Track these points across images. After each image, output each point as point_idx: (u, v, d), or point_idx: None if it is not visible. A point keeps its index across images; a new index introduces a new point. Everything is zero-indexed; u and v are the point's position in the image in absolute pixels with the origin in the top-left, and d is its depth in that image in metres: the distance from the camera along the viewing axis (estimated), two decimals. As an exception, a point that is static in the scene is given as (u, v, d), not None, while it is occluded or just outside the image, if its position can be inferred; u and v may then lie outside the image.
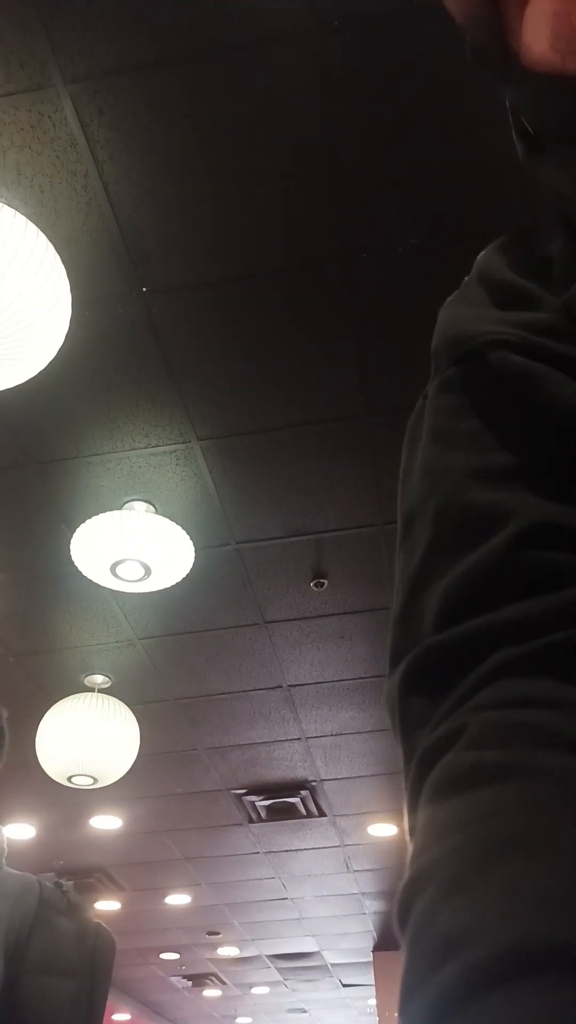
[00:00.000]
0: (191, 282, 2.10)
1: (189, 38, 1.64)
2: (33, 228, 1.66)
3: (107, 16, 1.61)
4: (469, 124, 1.78)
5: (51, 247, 1.71)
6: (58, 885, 1.34)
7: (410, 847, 0.34)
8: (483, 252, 0.51)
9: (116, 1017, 8.79)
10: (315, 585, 3.15)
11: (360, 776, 4.62)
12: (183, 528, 2.74)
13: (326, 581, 3.13)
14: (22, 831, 4.95)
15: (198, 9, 1.60)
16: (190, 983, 8.64)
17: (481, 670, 0.36)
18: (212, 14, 1.61)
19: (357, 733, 4.19)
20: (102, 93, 1.71)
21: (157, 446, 2.57)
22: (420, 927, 0.28)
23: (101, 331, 2.20)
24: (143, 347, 2.26)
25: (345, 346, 2.26)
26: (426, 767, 0.35)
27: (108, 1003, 1.33)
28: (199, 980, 8.56)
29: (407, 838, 0.37)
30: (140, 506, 2.75)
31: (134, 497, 2.75)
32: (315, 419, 2.48)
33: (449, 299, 0.50)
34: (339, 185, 1.89)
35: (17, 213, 1.66)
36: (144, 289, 2.11)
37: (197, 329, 2.21)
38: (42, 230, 1.76)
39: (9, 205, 1.70)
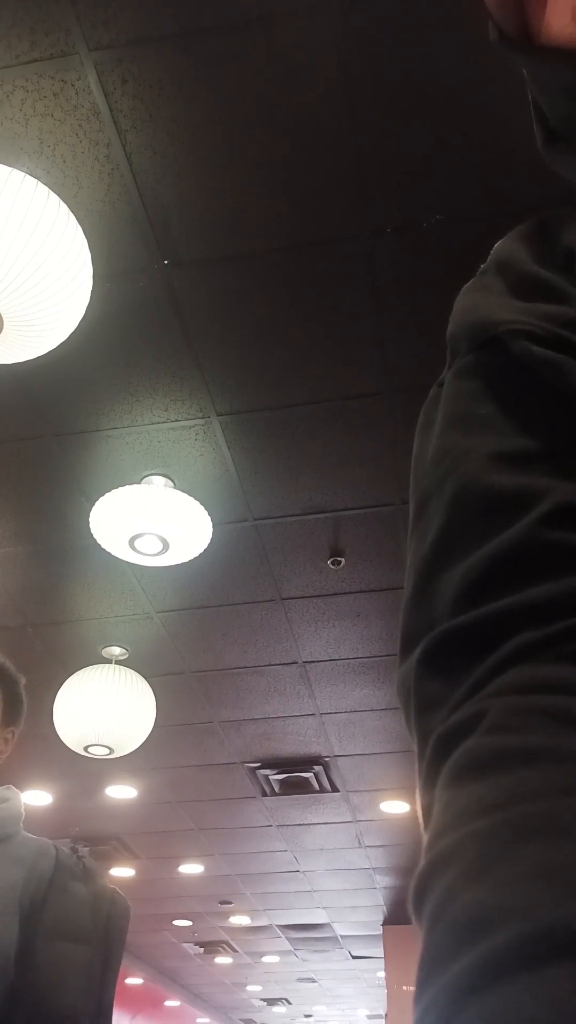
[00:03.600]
0: (213, 256, 2.08)
1: (213, 10, 1.61)
2: (55, 198, 1.65)
3: (132, -18, 1.58)
4: (495, 100, 1.74)
5: (72, 217, 1.70)
6: (74, 851, 1.36)
7: (425, 832, 0.33)
8: (501, 241, 0.50)
9: (129, 982, 8.99)
10: (332, 563, 3.15)
11: (373, 753, 4.65)
12: (201, 503, 2.75)
13: (343, 559, 3.13)
14: (39, 798, 5.04)
15: (224, -25, 1.57)
16: (202, 950, 8.81)
17: (500, 654, 0.35)
18: (238, -20, 1.58)
19: (371, 710, 4.21)
20: (126, 62, 1.69)
21: (176, 421, 2.57)
22: (440, 910, 0.28)
23: (122, 304, 2.20)
24: (164, 321, 2.25)
25: (366, 323, 2.24)
26: (444, 751, 0.34)
27: (121, 968, 1.35)
28: (211, 947, 8.73)
29: (421, 822, 0.36)
30: (159, 480, 2.76)
31: (153, 471, 2.75)
32: (335, 396, 2.47)
33: (466, 287, 0.50)
34: (362, 160, 1.86)
35: (39, 183, 1.65)
36: (166, 262, 2.09)
37: (218, 303, 2.20)
38: (64, 200, 1.75)
39: (31, 174, 1.69)
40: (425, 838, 0.33)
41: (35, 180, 1.64)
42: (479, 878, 0.27)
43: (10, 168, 1.63)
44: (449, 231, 1.99)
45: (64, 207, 1.67)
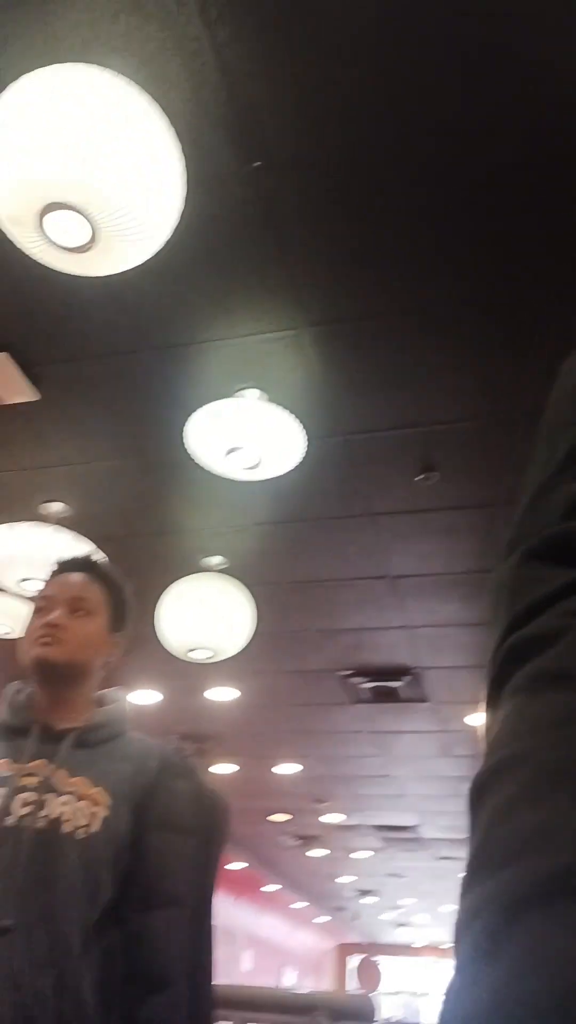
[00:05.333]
0: (305, 157, 1.99)
1: None
2: (146, 97, 1.60)
3: None
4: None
5: (164, 118, 1.64)
6: (178, 749, 1.44)
7: (489, 729, 0.33)
8: None
9: (232, 867, 9.64)
10: (424, 478, 3.09)
11: (461, 666, 4.68)
12: (294, 417, 2.73)
13: (435, 474, 3.07)
14: (149, 696, 5.32)
15: None
16: (299, 842, 9.33)
17: None
18: None
19: (461, 625, 4.21)
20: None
21: (268, 332, 2.53)
22: (497, 817, 0.28)
23: (213, 210, 2.14)
24: (255, 226, 2.18)
25: (465, 228, 2.11)
26: (522, 655, 0.34)
27: (224, 854, 1.44)
28: (307, 841, 9.23)
29: (484, 712, 0.36)
30: (253, 393, 2.75)
31: (247, 384, 2.74)
32: (426, 306, 2.36)
33: None
34: (471, 64, 1.71)
35: (130, 81, 1.59)
36: (257, 165, 2.01)
37: (309, 207, 2.11)
38: (153, 100, 1.69)
39: (120, 73, 1.63)
40: (489, 735, 0.33)
41: (125, 79, 1.59)
42: (543, 793, 0.27)
43: (100, 68, 1.58)
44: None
45: (155, 107, 1.62)
